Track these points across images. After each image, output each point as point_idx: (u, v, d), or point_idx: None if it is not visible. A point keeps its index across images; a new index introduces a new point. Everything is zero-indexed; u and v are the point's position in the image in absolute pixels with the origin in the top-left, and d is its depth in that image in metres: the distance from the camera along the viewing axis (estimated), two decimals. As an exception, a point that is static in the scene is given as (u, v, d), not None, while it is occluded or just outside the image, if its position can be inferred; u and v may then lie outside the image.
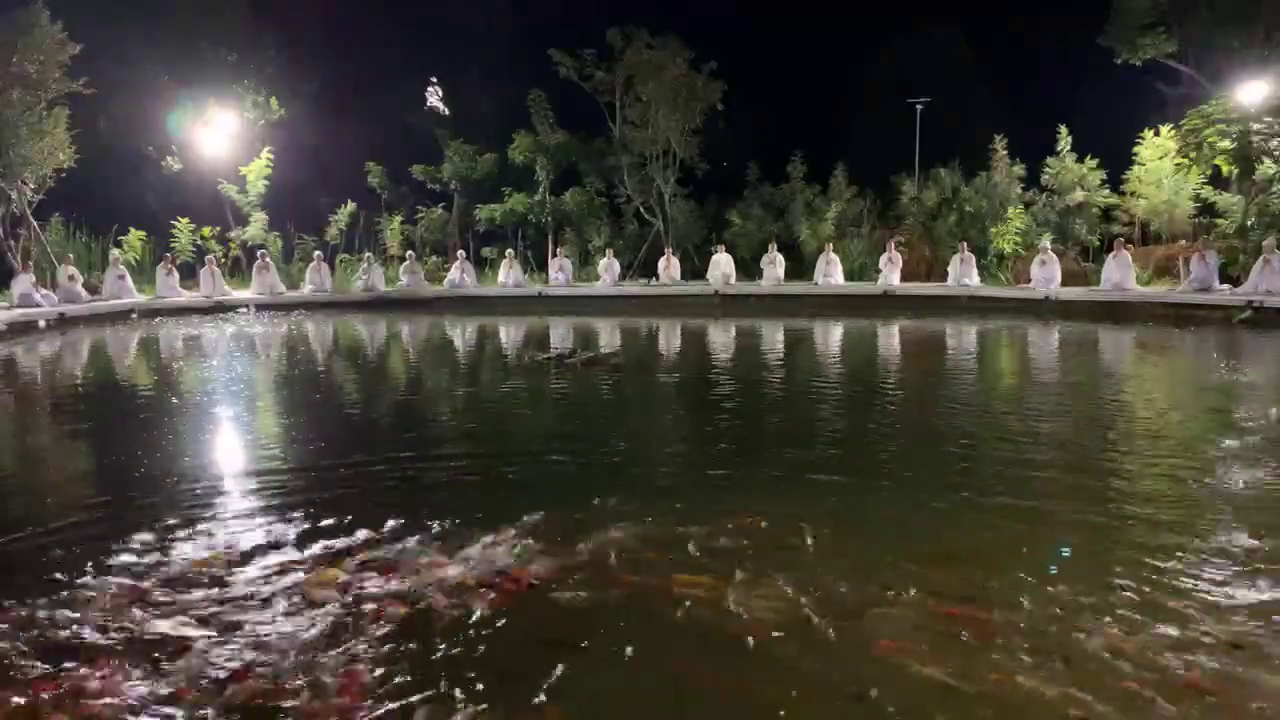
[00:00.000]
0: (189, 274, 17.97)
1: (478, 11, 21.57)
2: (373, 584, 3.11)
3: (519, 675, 2.51)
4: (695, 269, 19.67)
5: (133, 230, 18.33)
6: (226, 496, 4.34)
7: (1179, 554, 3.32)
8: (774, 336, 12.39)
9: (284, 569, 3.27)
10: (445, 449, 5.54)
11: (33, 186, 16.17)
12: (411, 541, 3.52)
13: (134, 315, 15.11)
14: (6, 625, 2.83)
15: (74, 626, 2.82)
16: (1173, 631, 2.69)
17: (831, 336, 12.53)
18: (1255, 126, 14.60)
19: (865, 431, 5.89)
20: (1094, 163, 17.60)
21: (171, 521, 3.86)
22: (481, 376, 9.13)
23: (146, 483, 4.64)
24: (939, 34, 21.77)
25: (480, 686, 2.43)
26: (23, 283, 14.39)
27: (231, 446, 5.75)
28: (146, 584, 3.14)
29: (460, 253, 18.92)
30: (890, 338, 12.08)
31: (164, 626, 2.81)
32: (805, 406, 6.98)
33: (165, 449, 5.51)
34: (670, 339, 12.32)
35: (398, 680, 2.47)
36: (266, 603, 2.98)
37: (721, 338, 12.37)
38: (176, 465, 5.01)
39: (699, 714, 2.38)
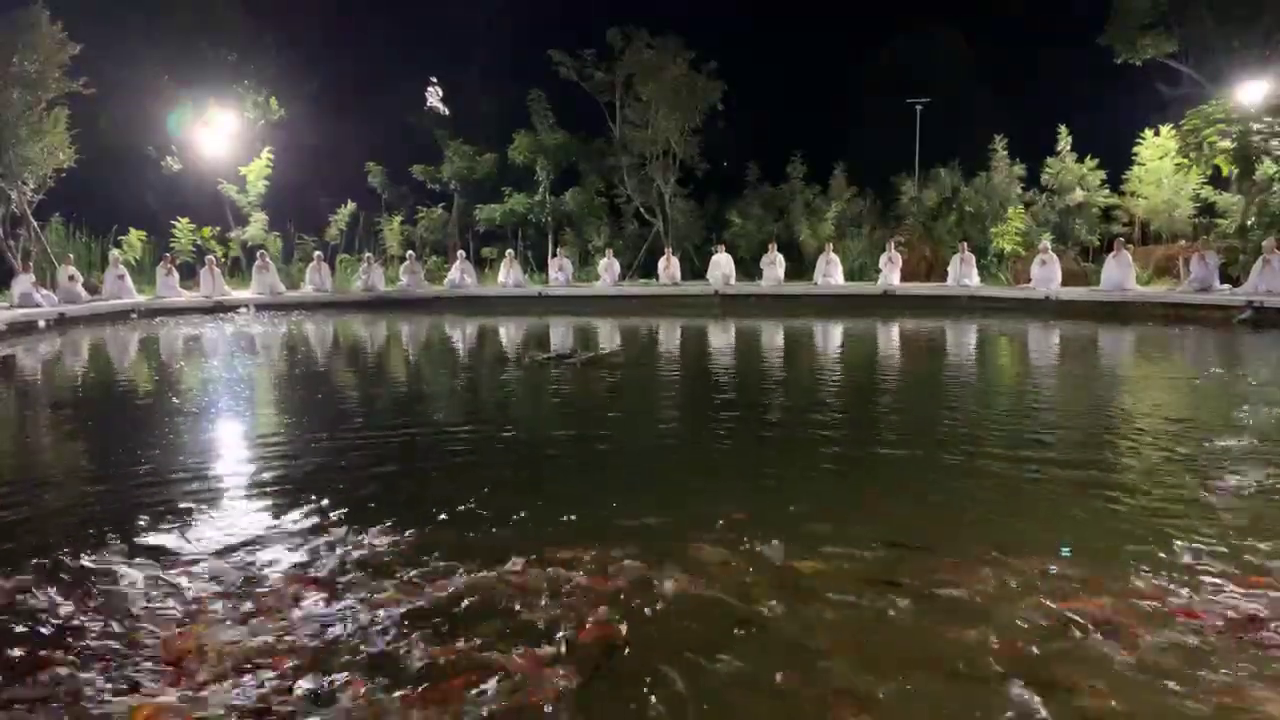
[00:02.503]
0: (189, 274, 17.97)
1: (478, 11, 21.60)
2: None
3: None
4: (695, 269, 19.68)
5: (133, 230, 18.34)
6: (215, 497, 4.34)
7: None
8: (774, 337, 12.39)
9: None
10: (444, 452, 5.54)
11: (33, 186, 16.17)
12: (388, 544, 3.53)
13: (134, 315, 15.11)
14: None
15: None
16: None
17: (832, 336, 12.53)
18: (1255, 126, 14.60)
19: (865, 439, 5.88)
20: (1094, 163, 17.62)
21: (152, 520, 3.86)
22: (481, 377, 9.13)
23: (137, 481, 4.64)
24: (939, 34, 21.76)
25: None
26: (23, 283, 14.39)
27: (227, 446, 5.75)
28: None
29: (460, 253, 18.92)
30: (890, 338, 12.08)
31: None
32: (805, 415, 6.97)
33: (162, 448, 5.51)
34: (670, 339, 12.32)
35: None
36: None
37: (722, 338, 12.38)
38: (171, 464, 5.01)
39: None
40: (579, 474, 4.90)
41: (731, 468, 4.96)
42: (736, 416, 6.43)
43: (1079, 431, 5.67)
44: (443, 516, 3.87)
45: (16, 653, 2.66)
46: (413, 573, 3.20)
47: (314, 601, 2.99)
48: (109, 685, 2.46)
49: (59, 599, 3.03)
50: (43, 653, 2.65)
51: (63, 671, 2.53)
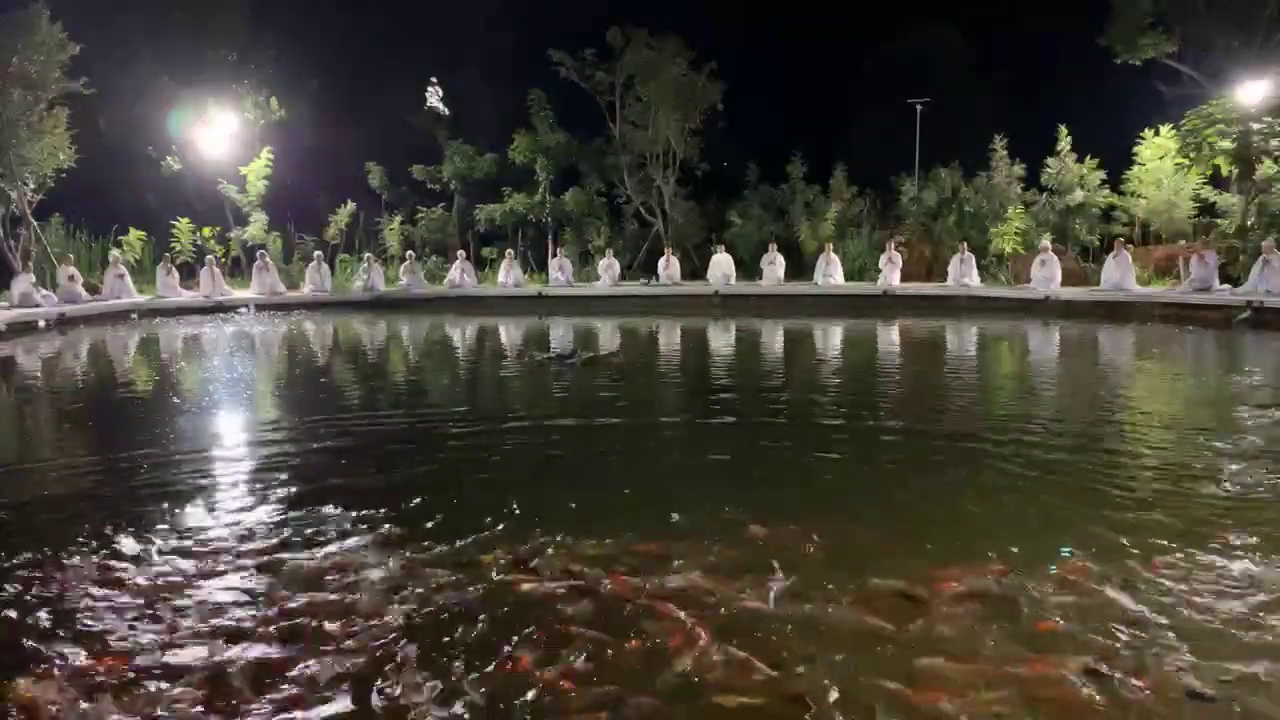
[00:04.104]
0: (189, 274, 17.96)
1: (478, 11, 21.57)
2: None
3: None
4: (695, 269, 19.67)
5: (133, 230, 18.31)
6: (209, 502, 4.34)
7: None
8: (774, 337, 12.39)
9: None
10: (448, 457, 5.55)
11: (33, 186, 16.16)
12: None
13: (134, 315, 15.10)
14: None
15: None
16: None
17: (832, 336, 12.53)
18: (1255, 126, 14.59)
19: (865, 443, 5.89)
20: (1094, 163, 17.58)
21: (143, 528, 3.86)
22: (482, 377, 9.13)
23: (136, 481, 4.64)
24: (939, 34, 21.77)
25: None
26: (23, 283, 14.39)
27: (226, 447, 5.74)
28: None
29: (460, 253, 18.90)
30: (890, 338, 12.08)
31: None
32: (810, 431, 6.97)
33: (161, 447, 5.51)
34: (670, 339, 12.32)
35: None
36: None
37: (722, 338, 12.37)
38: (169, 463, 5.01)
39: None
40: (567, 471, 4.91)
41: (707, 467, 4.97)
42: (733, 420, 6.43)
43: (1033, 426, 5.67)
44: (426, 504, 3.88)
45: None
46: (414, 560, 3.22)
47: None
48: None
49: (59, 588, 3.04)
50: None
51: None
